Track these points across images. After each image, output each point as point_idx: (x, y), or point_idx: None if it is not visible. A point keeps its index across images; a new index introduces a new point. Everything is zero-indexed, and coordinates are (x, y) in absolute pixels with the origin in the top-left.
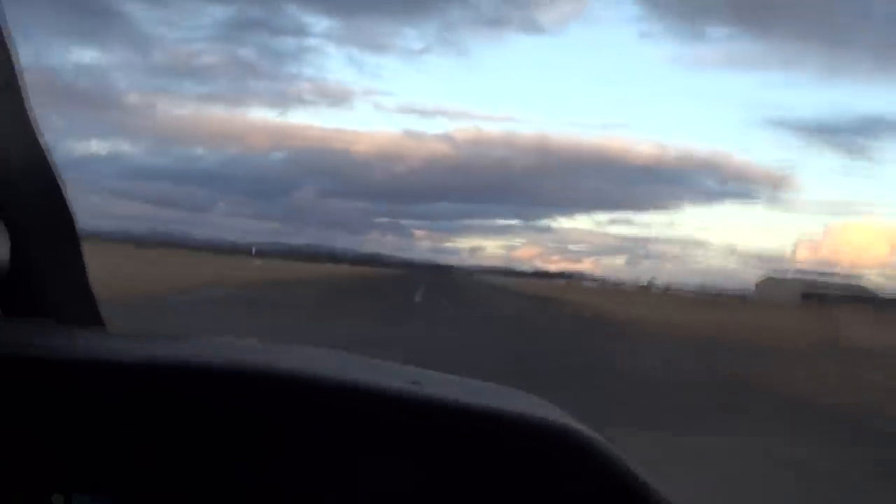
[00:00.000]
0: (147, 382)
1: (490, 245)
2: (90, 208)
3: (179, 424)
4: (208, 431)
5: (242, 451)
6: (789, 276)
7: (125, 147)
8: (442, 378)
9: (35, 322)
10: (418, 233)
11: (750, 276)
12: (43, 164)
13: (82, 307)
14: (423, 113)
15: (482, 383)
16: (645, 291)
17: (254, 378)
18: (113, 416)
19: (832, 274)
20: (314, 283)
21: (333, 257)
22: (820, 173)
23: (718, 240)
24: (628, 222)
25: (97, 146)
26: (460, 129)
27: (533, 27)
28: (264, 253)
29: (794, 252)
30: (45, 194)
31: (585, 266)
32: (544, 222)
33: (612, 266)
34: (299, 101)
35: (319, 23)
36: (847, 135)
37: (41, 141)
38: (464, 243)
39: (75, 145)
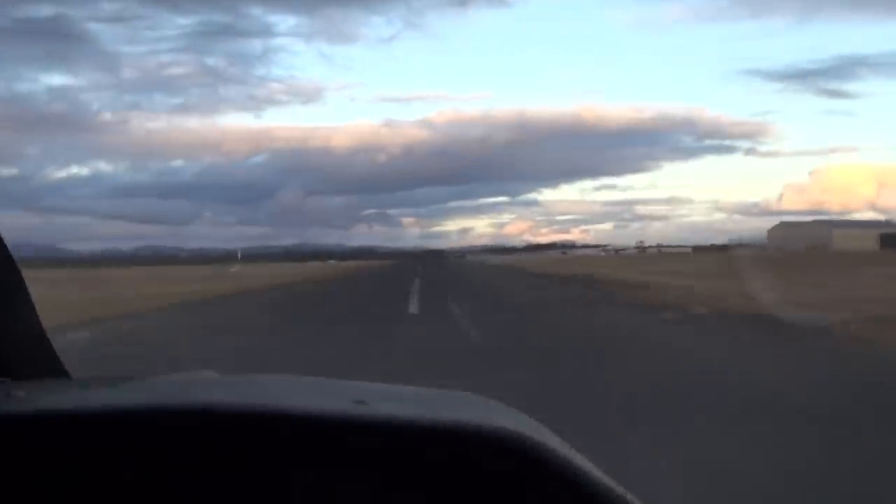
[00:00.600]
0: (103, 432)
1: (478, 224)
2: (74, 232)
3: (139, 471)
4: (159, 476)
5: (200, 491)
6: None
7: (103, 167)
8: (392, 392)
9: None
10: (406, 220)
11: (737, 228)
12: None
13: (39, 359)
14: (399, 100)
15: (435, 392)
16: (648, 254)
17: (206, 417)
18: (82, 468)
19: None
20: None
21: (317, 255)
22: (799, 119)
23: (702, 195)
24: (612, 187)
25: (75, 169)
26: (438, 112)
27: (498, 2)
28: (251, 258)
29: (781, 198)
30: None
31: (575, 235)
32: (530, 196)
33: (601, 232)
34: (273, 102)
35: (285, 21)
36: (823, 77)
37: None
38: (452, 226)
39: (53, 171)
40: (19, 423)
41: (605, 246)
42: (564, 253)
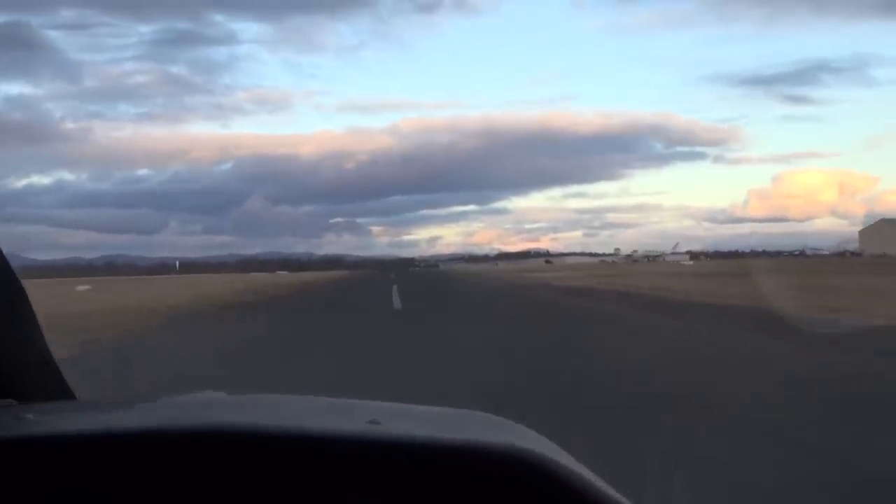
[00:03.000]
0: (112, 454)
1: (448, 233)
2: (37, 241)
3: (150, 494)
4: (170, 498)
5: None
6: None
7: (66, 176)
8: (404, 411)
9: None
10: (375, 229)
11: (706, 234)
12: None
13: (45, 381)
14: (366, 108)
15: (448, 411)
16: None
17: (217, 439)
18: (82, 493)
19: None
20: None
21: (273, 265)
22: (764, 125)
23: (671, 201)
24: (582, 195)
25: (37, 178)
26: (405, 119)
27: (466, 9)
28: (207, 267)
29: (746, 204)
30: None
31: (544, 243)
32: (500, 204)
33: (571, 240)
34: (238, 110)
35: (248, 29)
36: (787, 83)
37: None
38: (422, 234)
39: (14, 180)
40: (30, 446)
41: (603, 254)
42: (548, 262)
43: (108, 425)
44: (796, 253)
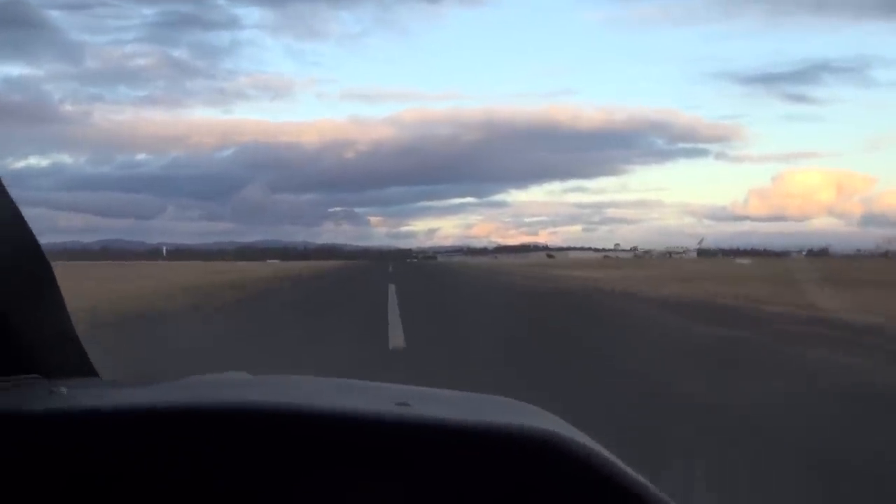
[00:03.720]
0: (146, 431)
1: (446, 225)
2: (33, 225)
3: (182, 471)
4: (202, 475)
5: (242, 491)
6: None
7: (65, 159)
8: (432, 394)
9: (22, 379)
10: (374, 219)
11: (707, 232)
12: (8, 209)
13: (70, 357)
14: (368, 97)
15: (471, 395)
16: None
17: (246, 417)
18: (117, 469)
19: None
20: None
21: (270, 253)
22: (766, 123)
23: (672, 198)
24: (582, 189)
25: (35, 160)
26: (407, 110)
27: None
28: (186, 253)
29: (746, 203)
30: (16, 242)
31: (543, 237)
32: (499, 197)
33: (569, 234)
34: (240, 96)
35: (251, 14)
36: (788, 82)
37: (3, 187)
38: (420, 225)
39: (12, 161)
40: (64, 421)
41: (605, 249)
42: (550, 256)
43: (142, 401)
44: (804, 253)
